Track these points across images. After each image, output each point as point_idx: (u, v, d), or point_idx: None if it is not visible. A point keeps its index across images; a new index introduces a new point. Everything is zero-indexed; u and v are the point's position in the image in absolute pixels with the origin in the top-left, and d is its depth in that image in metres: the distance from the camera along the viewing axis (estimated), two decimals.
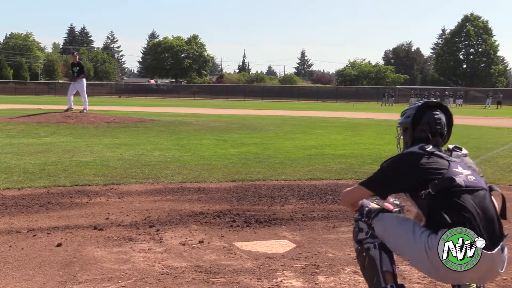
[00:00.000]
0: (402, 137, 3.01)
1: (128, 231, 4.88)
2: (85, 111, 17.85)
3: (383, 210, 2.93)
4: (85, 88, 18.02)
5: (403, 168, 2.75)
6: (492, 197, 2.71)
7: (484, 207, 2.61)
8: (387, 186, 2.80)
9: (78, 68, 17.85)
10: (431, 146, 2.77)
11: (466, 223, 2.52)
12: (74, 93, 18.28)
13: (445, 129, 2.88)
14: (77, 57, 18.51)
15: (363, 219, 2.94)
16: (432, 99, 3.07)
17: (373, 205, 2.97)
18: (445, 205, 2.58)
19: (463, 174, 2.66)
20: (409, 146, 2.89)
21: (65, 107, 18.76)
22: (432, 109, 2.89)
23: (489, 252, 2.51)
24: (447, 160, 2.71)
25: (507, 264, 4.16)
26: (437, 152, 2.74)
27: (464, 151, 2.85)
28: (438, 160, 2.71)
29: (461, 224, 2.52)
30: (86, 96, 18.09)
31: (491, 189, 2.71)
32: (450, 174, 2.64)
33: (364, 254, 2.89)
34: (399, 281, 3.66)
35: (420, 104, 2.94)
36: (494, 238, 2.56)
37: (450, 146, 2.84)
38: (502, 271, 2.62)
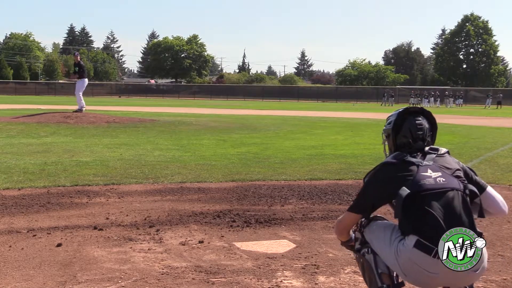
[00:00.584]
0: (386, 143, 3.03)
1: (128, 231, 4.88)
2: (81, 110, 17.81)
3: (375, 218, 2.95)
4: (82, 88, 18.00)
5: (378, 181, 2.80)
6: (467, 197, 2.68)
7: (451, 208, 2.61)
8: (369, 203, 2.82)
9: (77, 68, 17.92)
10: (404, 154, 2.79)
11: (427, 227, 2.56)
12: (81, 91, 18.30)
13: (428, 134, 2.88)
14: (78, 57, 18.49)
15: (358, 229, 3.02)
16: (417, 104, 3.06)
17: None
18: (410, 211, 2.63)
19: (431, 177, 2.68)
20: (392, 152, 2.92)
21: (68, 107, 18.80)
22: (413, 115, 2.90)
23: None
24: (417, 165, 2.72)
25: (507, 265, 4.18)
26: (408, 159, 2.75)
27: (442, 150, 2.85)
28: (408, 167, 2.73)
29: (421, 229, 2.57)
30: (80, 95, 18.04)
31: (465, 188, 2.69)
32: (418, 179, 2.66)
33: (361, 260, 2.95)
34: None
35: (400, 110, 2.95)
36: None
37: (426, 149, 2.84)
38: (479, 272, 2.59)
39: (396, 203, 2.67)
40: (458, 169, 2.78)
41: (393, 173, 2.74)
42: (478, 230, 2.61)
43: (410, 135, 2.84)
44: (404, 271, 2.64)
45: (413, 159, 2.76)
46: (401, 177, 2.70)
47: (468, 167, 2.88)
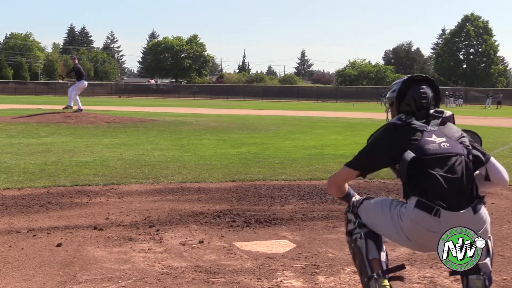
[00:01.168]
0: (390, 111, 3.04)
1: (128, 231, 4.88)
2: (70, 107, 18.27)
3: (368, 197, 2.95)
4: (75, 88, 18.34)
5: (382, 142, 2.83)
6: (470, 162, 2.72)
7: (454, 171, 2.65)
8: (370, 162, 2.89)
9: (73, 72, 18.37)
10: (409, 116, 2.81)
11: (430, 189, 2.61)
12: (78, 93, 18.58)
13: (432, 103, 2.88)
14: (76, 60, 18.79)
15: (350, 210, 3.01)
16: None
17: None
18: (413, 175, 2.67)
19: (436, 142, 2.72)
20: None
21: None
22: (418, 83, 2.90)
23: (453, 212, 2.58)
24: (421, 130, 2.75)
25: (507, 265, 4.19)
26: (413, 123, 2.78)
27: (447, 113, 2.86)
28: (412, 131, 2.75)
29: (423, 190, 2.62)
30: (72, 94, 18.40)
31: (469, 153, 2.73)
32: (422, 144, 2.70)
33: (352, 245, 2.94)
34: (399, 281, 3.67)
35: (405, 78, 2.96)
36: (461, 200, 2.61)
37: (431, 111, 2.86)
38: (480, 232, 2.60)
39: (401, 167, 2.70)
40: (463, 136, 2.81)
41: (398, 135, 2.76)
42: (479, 194, 2.66)
43: (414, 103, 2.85)
44: (408, 234, 2.66)
45: (418, 124, 2.77)
46: (406, 140, 2.72)
47: (472, 135, 2.91)
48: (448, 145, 2.72)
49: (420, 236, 2.64)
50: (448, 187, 2.60)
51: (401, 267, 2.86)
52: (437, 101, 2.92)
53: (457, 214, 2.58)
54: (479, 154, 2.77)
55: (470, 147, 2.78)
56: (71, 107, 18.38)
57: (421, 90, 2.86)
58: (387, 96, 3.04)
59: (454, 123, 2.90)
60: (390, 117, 3.07)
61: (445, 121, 2.85)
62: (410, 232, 2.66)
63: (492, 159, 2.84)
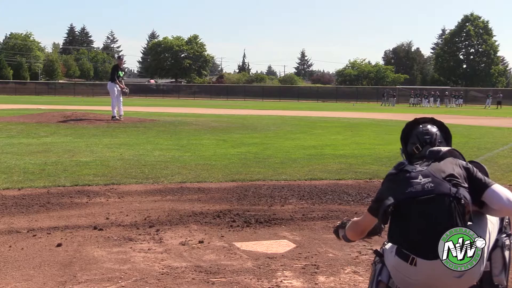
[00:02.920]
0: (404, 154, 3.08)
1: (128, 231, 4.88)
2: (119, 117, 17.21)
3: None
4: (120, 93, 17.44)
5: (383, 190, 2.81)
6: (454, 202, 2.59)
7: (433, 216, 2.56)
8: (381, 210, 2.76)
9: (124, 73, 17.41)
10: (404, 163, 2.81)
11: (407, 235, 2.58)
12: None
13: (438, 140, 2.93)
14: (123, 61, 18.11)
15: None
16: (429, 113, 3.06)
17: None
18: (393, 220, 2.67)
19: (420, 183, 2.63)
20: (405, 160, 2.95)
21: (68, 107, 18.54)
22: (421, 123, 3.00)
23: (428, 261, 2.51)
24: (410, 171, 2.71)
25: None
26: (405, 168, 2.76)
27: (442, 151, 2.79)
28: (403, 176, 2.72)
29: (401, 237, 2.60)
30: (115, 102, 17.39)
31: (457, 192, 2.59)
32: (405, 187, 2.65)
33: (371, 268, 2.91)
34: None
35: (409, 122, 3.05)
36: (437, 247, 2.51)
37: (426, 152, 2.83)
38: (463, 278, 2.52)
39: (379, 214, 2.70)
40: (451, 174, 2.67)
41: (392, 183, 2.77)
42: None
43: (418, 141, 2.92)
44: (393, 277, 2.66)
45: (409, 167, 2.75)
46: (396, 187, 2.71)
47: (477, 165, 2.81)
48: (432, 185, 2.61)
49: (402, 282, 2.62)
50: (425, 234, 2.53)
51: None
52: (447, 137, 2.97)
53: (433, 263, 2.50)
54: (466, 194, 2.62)
55: (461, 183, 2.64)
56: (118, 115, 17.33)
57: (423, 128, 2.96)
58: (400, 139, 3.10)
59: (458, 156, 2.80)
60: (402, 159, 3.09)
61: (443, 156, 2.77)
62: (394, 276, 2.66)
63: (494, 187, 2.68)
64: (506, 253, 2.69)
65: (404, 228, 2.61)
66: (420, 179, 2.64)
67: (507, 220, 2.86)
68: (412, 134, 2.96)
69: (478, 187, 2.67)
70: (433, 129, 2.96)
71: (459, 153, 2.85)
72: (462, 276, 2.50)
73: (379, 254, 2.81)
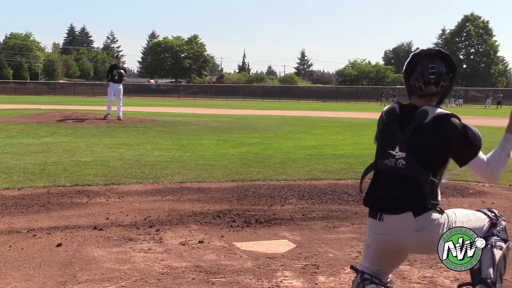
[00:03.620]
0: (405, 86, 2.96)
1: (128, 231, 4.88)
2: (117, 118, 17.09)
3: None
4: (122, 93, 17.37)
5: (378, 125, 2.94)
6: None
7: (394, 177, 2.72)
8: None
9: (121, 71, 17.16)
10: (395, 109, 2.82)
11: (375, 195, 2.77)
12: (114, 97, 17.35)
13: (443, 77, 2.75)
14: (121, 60, 17.92)
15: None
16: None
17: None
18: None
19: (395, 157, 2.71)
20: (408, 95, 2.88)
21: (68, 107, 18.51)
22: (428, 58, 2.76)
23: (392, 215, 2.69)
24: (394, 133, 2.75)
25: (507, 265, 4.18)
26: (393, 125, 2.76)
27: (435, 112, 2.68)
28: (388, 130, 2.78)
29: (370, 197, 2.81)
30: (109, 101, 17.37)
31: (427, 175, 2.65)
32: (381, 153, 2.78)
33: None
34: (399, 281, 3.68)
35: (415, 53, 2.85)
36: (402, 203, 2.67)
37: (419, 110, 2.72)
38: (424, 233, 2.65)
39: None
40: (434, 146, 2.66)
41: (380, 126, 2.88)
42: (429, 202, 2.64)
43: (422, 79, 2.74)
44: (368, 239, 2.84)
45: (395, 128, 2.75)
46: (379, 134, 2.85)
47: (467, 134, 2.67)
48: (404, 163, 2.67)
49: (373, 239, 2.78)
50: (388, 192, 2.70)
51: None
52: (453, 74, 2.79)
53: (396, 217, 2.67)
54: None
55: (435, 163, 2.67)
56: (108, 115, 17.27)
57: (430, 65, 2.73)
58: (402, 71, 2.94)
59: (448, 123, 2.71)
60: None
61: (428, 125, 2.69)
62: (369, 239, 2.83)
63: (475, 160, 2.69)
64: (495, 252, 2.75)
65: (372, 187, 2.79)
66: (396, 152, 2.71)
67: (502, 226, 2.89)
68: (417, 69, 2.74)
69: (464, 156, 2.69)
70: (441, 67, 2.74)
71: (450, 117, 2.69)
72: (421, 231, 2.63)
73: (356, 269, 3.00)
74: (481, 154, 2.69)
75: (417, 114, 2.70)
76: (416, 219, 2.63)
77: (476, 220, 2.81)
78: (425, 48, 2.86)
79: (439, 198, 2.71)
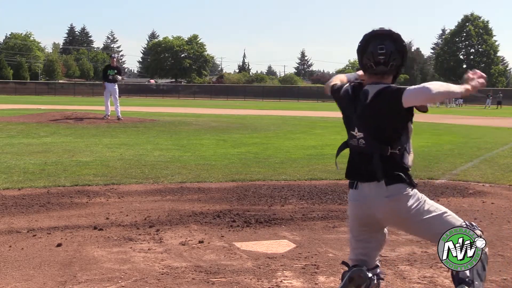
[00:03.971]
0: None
1: (128, 231, 4.88)
2: (117, 118, 17.10)
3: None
4: (118, 92, 17.25)
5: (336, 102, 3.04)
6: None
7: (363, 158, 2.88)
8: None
9: (115, 71, 17.18)
10: (348, 91, 2.91)
11: (349, 168, 2.95)
12: (110, 97, 17.32)
13: (394, 57, 2.84)
14: (115, 59, 17.86)
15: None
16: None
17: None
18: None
19: (356, 137, 2.86)
20: (362, 72, 3.03)
21: (68, 107, 18.51)
22: (379, 39, 2.87)
23: (364, 183, 2.85)
24: (348, 118, 2.92)
25: (507, 265, 4.19)
26: (349, 106, 2.90)
27: (371, 91, 2.82)
28: (344, 115, 2.94)
29: (348, 166, 2.96)
30: (118, 101, 17.31)
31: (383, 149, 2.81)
32: (349, 135, 2.91)
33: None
34: (399, 281, 3.68)
35: (367, 33, 2.93)
36: (370, 174, 2.83)
37: (363, 89, 2.86)
38: (394, 200, 2.80)
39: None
40: (383, 120, 2.80)
41: (340, 102, 2.99)
42: (396, 172, 2.79)
43: (372, 59, 2.83)
44: (348, 212, 2.99)
45: (350, 109, 2.88)
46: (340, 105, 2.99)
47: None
48: (364, 142, 2.84)
49: (351, 207, 2.95)
50: (360, 166, 2.88)
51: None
52: (402, 55, 2.87)
53: (368, 184, 2.84)
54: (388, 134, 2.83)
55: (385, 134, 2.81)
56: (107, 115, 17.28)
57: (379, 46, 2.83)
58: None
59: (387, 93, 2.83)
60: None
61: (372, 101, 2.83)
62: (348, 210, 2.99)
63: (406, 94, 2.75)
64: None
65: (349, 162, 2.97)
66: (356, 133, 2.87)
67: (478, 233, 2.90)
68: (368, 48, 2.84)
69: (397, 104, 2.75)
70: (390, 47, 2.84)
71: (388, 87, 2.82)
72: (391, 197, 2.78)
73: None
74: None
75: (360, 95, 2.86)
76: (388, 187, 2.79)
77: (453, 218, 2.85)
78: (377, 28, 2.95)
79: (409, 165, 2.86)
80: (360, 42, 2.91)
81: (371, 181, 2.83)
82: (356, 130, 2.86)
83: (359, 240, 2.96)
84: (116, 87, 17.36)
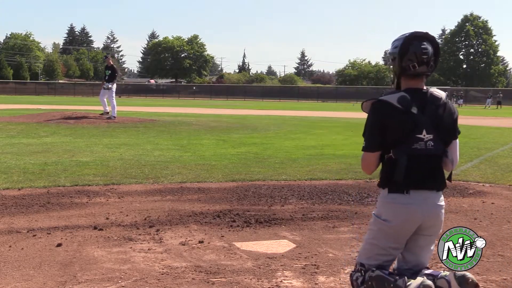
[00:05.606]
0: (392, 66, 3.08)
1: (128, 231, 4.88)
2: (113, 117, 17.17)
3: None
4: (114, 92, 17.31)
5: (380, 122, 2.89)
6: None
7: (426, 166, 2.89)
8: (375, 140, 2.92)
9: (110, 71, 17.20)
10: (408, 99, 2.87)
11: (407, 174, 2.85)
12: (106, 96, 17.47)
13: (432, 58, 2.93)
14: (110, 60, 17.85)
15: (353, 274, 3.07)
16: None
17: None
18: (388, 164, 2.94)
19: (423, 140, 2.84)
20: (397, 75, 3.01)
21: (68, 107, 18.58)
22: (419, 40, 2.94)
23: (427, 190, 2.86)
24: (414, 122, 2.84)
25: (507, 265, 4.20)
26: (412, 110, 2.84)
27: (441, 96, 2.94)
28: (409, 120, 2.84)
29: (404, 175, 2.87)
30: (114, 101, 17.38)
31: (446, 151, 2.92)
32: (410, 142, 2.83)
33: (370, 283, 2.94)
34: None
35: (407, 34, 2.98)
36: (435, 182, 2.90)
37: (429, 93, 2.93)
38: (441, 206, 2.91)
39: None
40: (449, 125, 2.92)
41: (390, 115, 2.86)
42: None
43: (415, 59, 2.89)
44: (388, 216, 2.90)
45: (417, 112, 2.84)
46: (399, 131, 2.84)
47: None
48: (432, 144, 2.86)
49: (396, 211, 2.88)
50: (423, 172, 2.88)
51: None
52: (436, 56, 2.96)
53: (433, 193, 2.89)
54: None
55: (451, 138, 2.97)
56: (115, 114, 17.39)
57: (422, 46, 2.90)
58: (389, 51, 3.07)
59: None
60: (390, 73, 3.16)
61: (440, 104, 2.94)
62: (389, 212, 2.90)
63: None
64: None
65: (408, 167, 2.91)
66: (424, 135, 2.85)
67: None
68: (409, 50, 2.90)
69: (454, 134, 3.02)
70: (429, 47, 2.93)
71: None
72: (441, 205, 2.90)
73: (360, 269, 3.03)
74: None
75: (430, 97, 2.92)
76: (439, 193, 2.91)
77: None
78: (412, 31, 3.00)
79: None
80: (398, 44, 2.95)
81: (434, 188, 2.87)
82: (424, 132, 2.85)
83: (387, 245, 2.94)
84: (111, 86, 17.17)
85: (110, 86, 17.08)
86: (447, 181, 2.95)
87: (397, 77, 3.02)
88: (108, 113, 17.52)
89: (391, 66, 3.05)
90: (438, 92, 2.97)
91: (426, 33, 2.97)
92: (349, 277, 3.17)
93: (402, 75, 2.97)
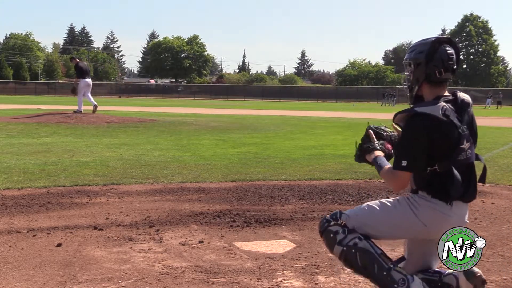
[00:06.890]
0: (412, 73, 2.96)
1: (128, 231, 4.88)
2: (76, 112, 17.68)
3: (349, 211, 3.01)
4: (81, 89, 17.69)
5: (426, 137, 2.73)
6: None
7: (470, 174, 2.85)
8: (420, 157, 2.74)
9: (76, 70, 17.98)
10: (448, 107, 2.77)
11: (448, 190, 2.76)
12: (82, 93, 17.92)
13: (456, 65, 2.88)
14: (74, 61, 18.30)
15: (331, 224, 2.97)
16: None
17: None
18: (438, 177, 2.78)
19: (464, 149, 2.79)
20: (420, 82, 2.89)
21: (68, 108, 18.77)
22: (443, 44, 2.86)
23: (460, 202, 2.80)
24: (460, 133, 2.77)
25: (507, 265, 4.20)
26: (455, 121, 2.76)
27: (470, 101, 2.94)
28: (455, 133, 2.75)
29: (441, 190, 2.77)
30: (81, 98, 17.90)
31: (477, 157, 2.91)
32: (456, 152, 2.75)
33: (353, 250, 2.88)
34: None
35: (433, 39, 2.89)
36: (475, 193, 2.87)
37: (460, 99, 2.86)
38: (466, 219, 2.90)
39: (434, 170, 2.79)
40: (476, 128, 2.93)
41: (437, 129, 2.74)
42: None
43: (442, 65, 2.82)
44: (424, 220, 2.78)
45: (457, 123, 2.77)
46: (444, 145, 2.74)
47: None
48: (470, 152, 2.85)
49: (436, 219, 2.78)
50: (465, 183, 2.83)
51: (403, 259, 3.05)
52: (458, 62, 2.92)
53: (467, 205, 2.87)
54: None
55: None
56: (79, 110, 17.95)
57: (448, 51, 2.83)
58: (411, 57, 2.95)
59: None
60: (404, 78, 3.11)
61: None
62: (429, 218, 2.79)
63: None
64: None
65: (443, 186, 2.85)
66: (465, 145, 2.79)
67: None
68: (435, 56, 2.81)
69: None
70: (454, 53, 2.86)
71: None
72: (466, 218, 2.87)
73: (351, 231, 2.96)
74: None
75: (462, 103, 2.84)
76: (467, 205, 2.89)
77: None
78: (436, 35, 3.01)
79: None
80: (425, 48, 2.85)
81: (470, 200, 2.84)
82: (464, 141, 2.78)
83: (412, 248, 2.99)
84: (79, 82, 17.70)
85: (78, 82, 17.80)
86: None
87: (418, 84, 2.90)
88: (81, 111, 17.95)
89: (410, 72, 2.93)
90: (466, 96, 2.88)
91: (449, 38, 2.91)
92: (320, 220, 3.07)
93: (425, 82, 2.86)
